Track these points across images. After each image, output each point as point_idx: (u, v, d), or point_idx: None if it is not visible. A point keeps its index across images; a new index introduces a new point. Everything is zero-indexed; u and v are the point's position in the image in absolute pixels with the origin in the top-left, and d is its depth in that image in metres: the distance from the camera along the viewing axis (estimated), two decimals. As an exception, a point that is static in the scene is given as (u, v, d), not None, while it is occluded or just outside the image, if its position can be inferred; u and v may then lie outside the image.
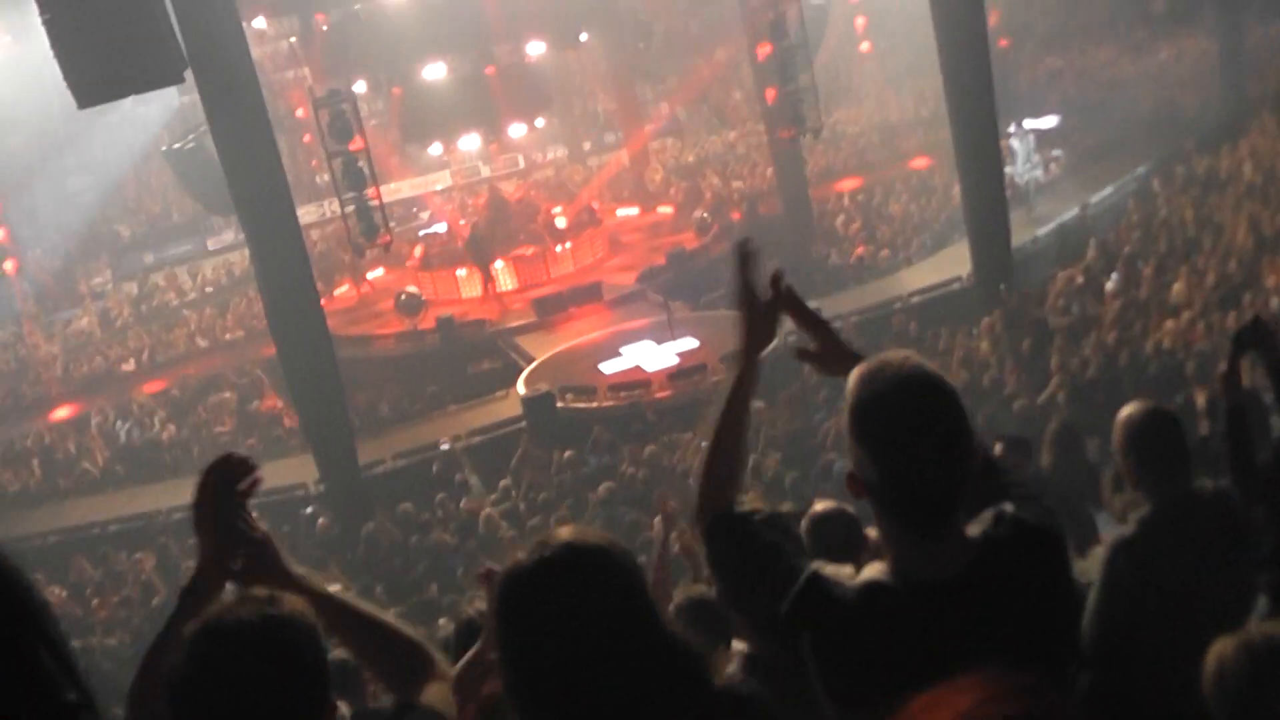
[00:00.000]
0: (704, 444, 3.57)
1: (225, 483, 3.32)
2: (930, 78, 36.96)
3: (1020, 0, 37.35)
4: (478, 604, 9.51)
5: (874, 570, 3.12)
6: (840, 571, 3.16)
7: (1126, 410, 5.26)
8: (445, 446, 20.61)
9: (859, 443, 3.05)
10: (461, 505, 18.38)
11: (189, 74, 17.10)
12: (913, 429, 2.97)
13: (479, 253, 29.80)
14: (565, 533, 2.75)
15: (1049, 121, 33.67)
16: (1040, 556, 3.13)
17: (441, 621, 13.03)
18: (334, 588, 3.35)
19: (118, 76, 15.69)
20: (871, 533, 6.16)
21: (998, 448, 9.37)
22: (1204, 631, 3.51)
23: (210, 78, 18.08)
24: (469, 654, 4.01)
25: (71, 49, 15.30)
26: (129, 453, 25.64)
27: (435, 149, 33.14)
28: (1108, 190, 27.19)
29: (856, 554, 5.02)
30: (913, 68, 40.76)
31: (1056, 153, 30.77)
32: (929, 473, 2.96)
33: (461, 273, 30.47)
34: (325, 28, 28.85)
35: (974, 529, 3.10)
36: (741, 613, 3.86)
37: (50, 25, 15.40)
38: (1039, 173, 27.43)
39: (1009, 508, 3.16)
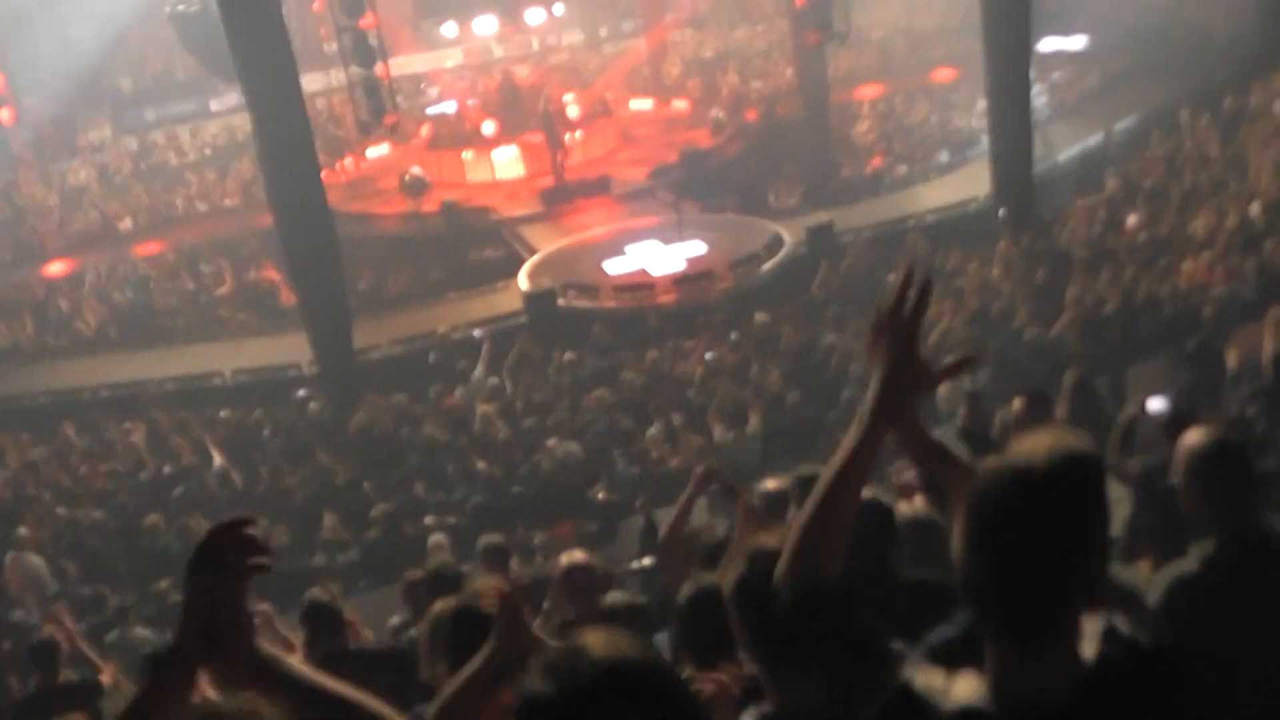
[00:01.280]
0: (806, 507, 3.01)
1: (229, 557, 2.94)
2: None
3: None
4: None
5: (970, 687, 2.73)
6: (932, 683, 2.77)
7: (1193, 437, 4.85)
8: (477, 334, 20.25)
9: (963, 536, 2.66)
10: (455, 396, 18.15)
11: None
12: (1022, 528, 2.57)
13: (550, 128, 29.23)
14: (596, 647, 2.26)
15: (1078, 41, 33.03)
16: (1157, 687, 2.75)
17: (431, 540, 12.87)
18: (296, 657, 2.95)
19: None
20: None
21: (1017, 404, 9.09)
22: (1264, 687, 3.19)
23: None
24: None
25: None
26: (121, 315, 25.33)
27: (449, 29, 32.47)
28: (1132, 119, 26.50)
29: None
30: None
31: (1054, 76, 29.85)
32: (1034, 578, 2.58)
33: (468, 155, 29.98)
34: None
35: (1085, 648, 2.72)
36: (785, 679, 3.41)
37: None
38: (1042, 100, 26.71)
39: (1121, 624, 2.78)
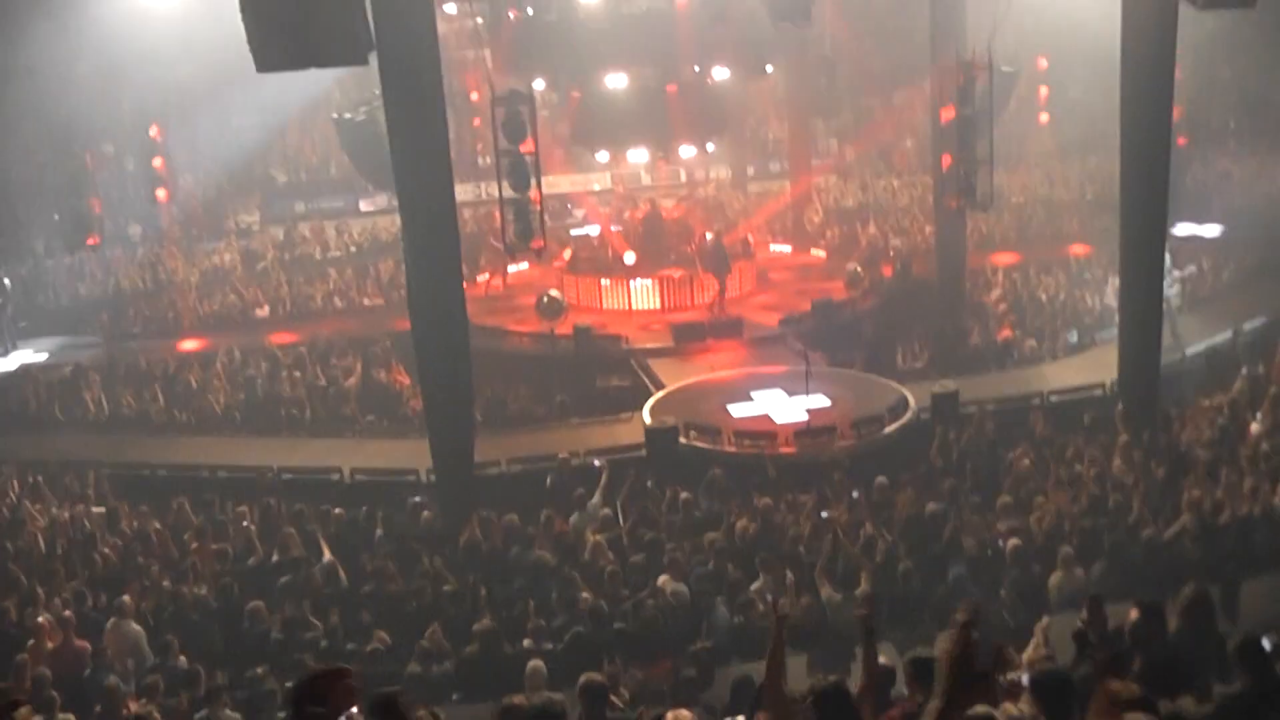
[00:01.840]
0: None
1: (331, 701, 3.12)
2: (1100, 157, 36.54)
3: (1203, 95, 36.44)
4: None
5: None
6: None
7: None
8: (597, 464, 20.40)
9: None
10: (568, 522, 18.23)
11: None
12: None
13: (718, 261, 29.70)
14: None
15: (1212, 230, 32.85)
16: None
17: (530, 665, 12.94)
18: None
19: (301, 48, 15.60)
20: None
21: (1133, 613, 9.04)
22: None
23: (393, 59, 18.16)
24: None
25: (259, 13, 15.24)
26: (249, 400, 25.79)
27: (602, 155, 32.99)
28: (1262, 320, 26.22)
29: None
30: (1085, 144, 40.22)
31: (1191, 268, 29.58)
32: None
33: (605, 282, 30.39)
34: (514, 20, 28.76)
35: None
36: None
37: (241, -13, 15.39)
38: (1174, 290, 26.37)
39: None
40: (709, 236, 30.81)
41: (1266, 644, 8.18)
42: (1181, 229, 30.25)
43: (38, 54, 28.42)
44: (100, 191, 29.17)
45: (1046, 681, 7.32)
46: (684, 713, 7.70)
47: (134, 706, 12.25)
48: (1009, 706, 6.36)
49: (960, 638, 3.37)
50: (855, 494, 18.71)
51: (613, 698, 10.47)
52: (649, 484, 19.27)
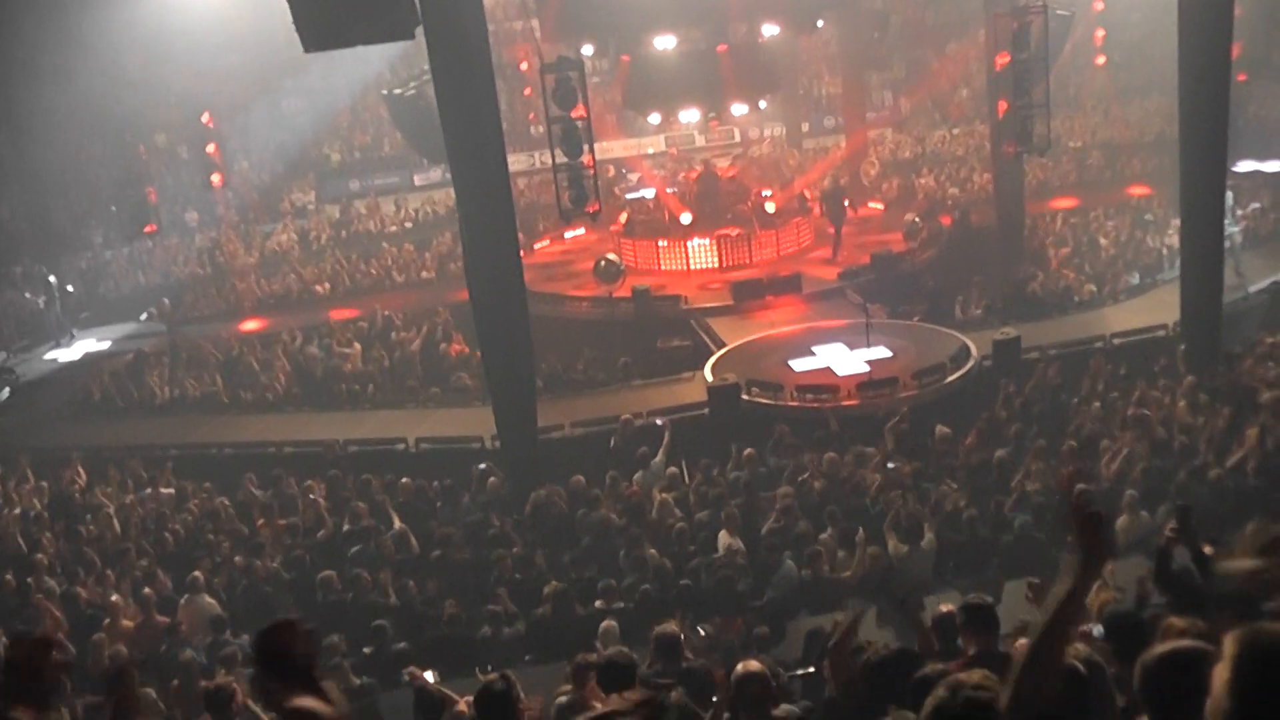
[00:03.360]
0: (1027, 645, 3.60)
1: (284, 656, 3.20)
2: (1160, 98, 36.16)
3: (1263, 32, 35.93)
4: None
5: None
6: None
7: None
8: (659, 422, 20.36)
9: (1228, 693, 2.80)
10: (633, 482, 18.25)
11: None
12: None
13: (836, 208, 30.08)
14: None
15: (1274, 165, 32.49)
16: None
17: (603, 625, 12.99)
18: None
19: (348, 25, 15.67)
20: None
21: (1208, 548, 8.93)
22: None
23: (441, 33, 18.09)
24: None
25: (305, -8, 15.31)
26: (311, 377, 25.95)
27: (654, 118, 32.94)
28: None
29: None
30: (1144, 86, 39.88)
31: (1255, 205, 29.42)
32: None
33: (663, 244, 30.36)
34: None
35: None
36: None
37: (286, -34, 15.43)
38: (1238, 227, 26.15)
39: None
40: (827, 184, 31.25)
41: None
42: (1243, 166, 29.93)
43: (86, 49, 28.65)
44: (155, 181, 29.49)
45: (1119, 623, 7.30)
46: (754, 663, 7.71)
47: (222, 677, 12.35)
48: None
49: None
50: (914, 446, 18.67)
51: (686, 651, 10.46)
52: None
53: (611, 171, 38.37)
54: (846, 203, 30.86)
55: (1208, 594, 8.38)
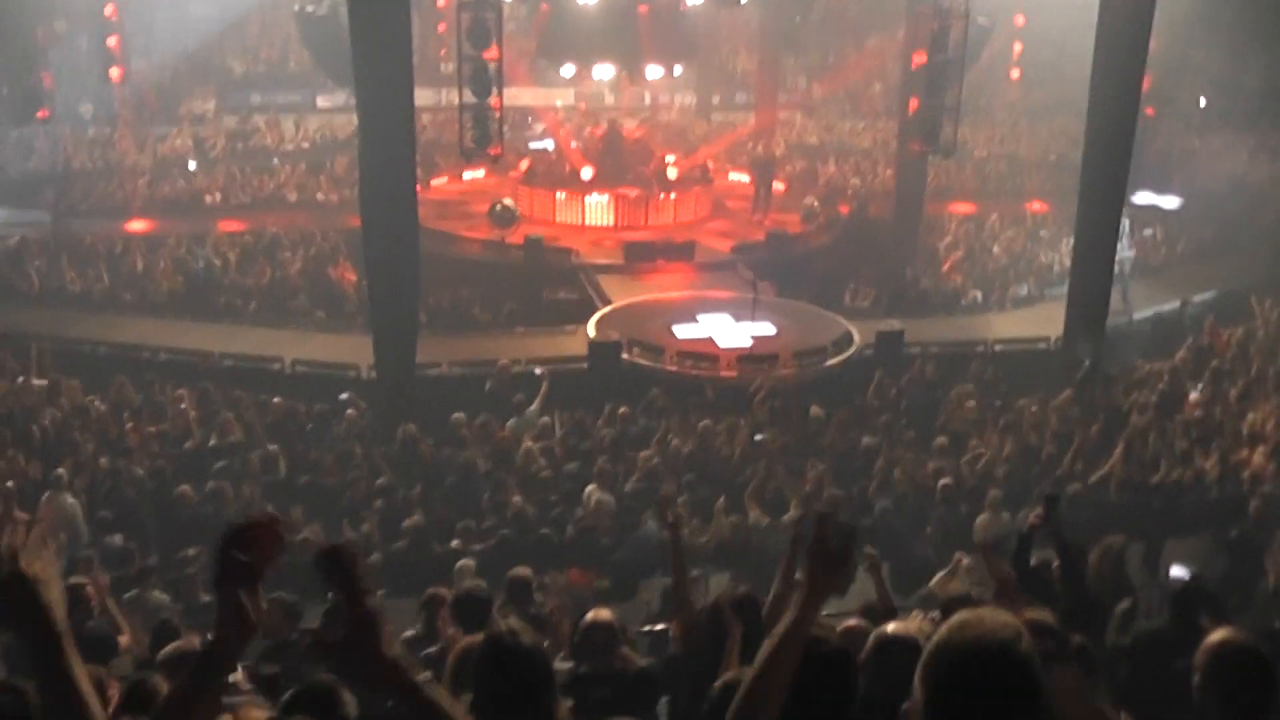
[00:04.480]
0: (755, 663, 3.45)
1: (250, 553, 3.12)
2: (1068, 119, 36.67)
3: (1175, 70, 36.54)
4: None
5: None
6: None
7: (1221, 636, 4.89)
8: (538, 371, 20.35)
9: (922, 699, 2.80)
10: (504, 427, 18.26)
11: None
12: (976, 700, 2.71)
13: (764, 172, 30.79)
14: None
15: (1171, 202, 33.17)
16: None
17: (460, 563, 13.03)
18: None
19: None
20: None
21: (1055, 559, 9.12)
22: None
23: (359, -48, 17.91)
24: None
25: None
26: (193, 285, 25.61)
27: (567, 70, 32.84)
28: (1211, 293, 26.59)
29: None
30: (1054, 106, 40.45)
31: (1148, 231, 30.09)
32: None
33: (561, 196, 30.32)
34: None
35: None
36: None
37: None
38: (1130, 253, 26.73)
39: None
40: (760, 151, 31.79)
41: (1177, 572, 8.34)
42: (1141, 198, 30.53)
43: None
44: (52, 67, 28.72)
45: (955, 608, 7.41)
46: (604, 611, 7.76)
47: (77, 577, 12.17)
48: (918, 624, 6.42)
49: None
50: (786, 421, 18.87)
51: (536, 596, 10.53)
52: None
53: (518, 118, 38.22)
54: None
55: (1064, 588, 8.59)
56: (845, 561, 3.40)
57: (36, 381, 19.64)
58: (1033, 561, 9.02)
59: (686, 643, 7.58)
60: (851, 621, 7.16)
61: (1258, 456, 16.48)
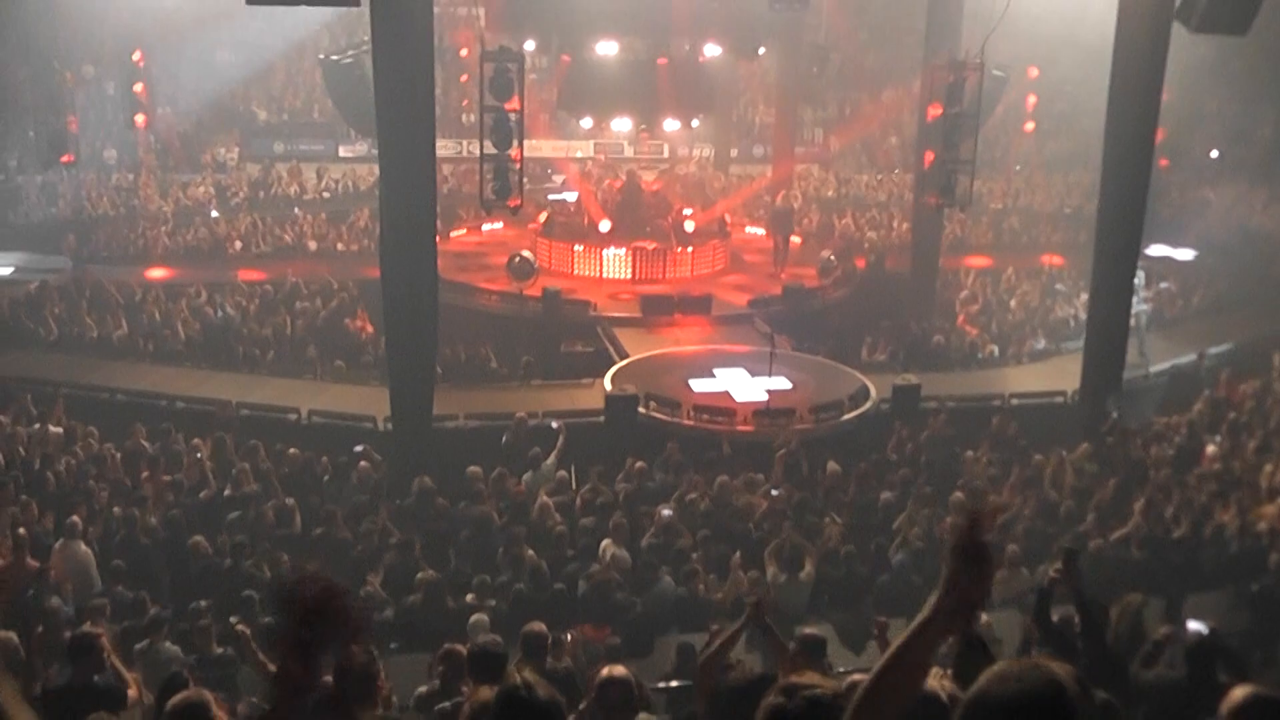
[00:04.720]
0: (867, 681, 3.28)
1: (327, 618, 3.08)
2: (1083, 172, 36.73)
3: (1188, 122, 36.62)
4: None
5: None
6: None
7: (1242, 694, 4.92)
8: (554, 425, 20.33)
9: None
10: (520, 481, 18.26)
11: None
12: None
13: (783, 223, 30.96)
14: None
15: (1185, 254, 33.14)
16: None
17: (474, 618, 13.01)
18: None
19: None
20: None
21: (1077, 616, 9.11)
22: None
23: (385, 3, 18.00)
24: None
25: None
26: (212, 334, 25.64)
27: (586, 122, 32.99)
28: (1228, 345, 26.52)
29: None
30: (1069, 158, 40.50)
31: (1165, 284, 30.14)
32: None
33: (579, 248, 30.37)
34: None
35: None
36: None
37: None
38: (1146, 306, 26.67)
39: None
40: (780, 203, 32.31)
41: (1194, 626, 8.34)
42: (1156, 250, 30.49)
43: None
44: (78, 112, 28.95)
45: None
46: (619, 668, 7.73)
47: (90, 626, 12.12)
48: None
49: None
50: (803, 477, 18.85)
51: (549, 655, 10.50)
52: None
53: (537, 170, 38.36)
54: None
55: (1085, 644, 8.57)
56: (988, 559, 3.31)
57: (53, 429, 19.67)
58: (1054, 618, 9.02)
59: (709, 706, 7.55)
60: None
61: (1276, 510, 16.46)
